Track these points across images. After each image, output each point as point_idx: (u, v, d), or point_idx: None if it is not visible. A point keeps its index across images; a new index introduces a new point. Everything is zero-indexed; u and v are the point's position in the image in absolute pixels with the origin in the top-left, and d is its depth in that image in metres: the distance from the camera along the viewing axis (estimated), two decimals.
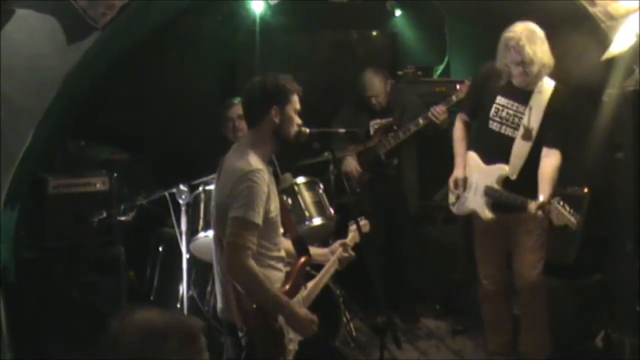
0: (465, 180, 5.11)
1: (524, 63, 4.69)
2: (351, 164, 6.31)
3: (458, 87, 6.05)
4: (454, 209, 5.26)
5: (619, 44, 4.80)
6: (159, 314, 2.39)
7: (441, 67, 7.51)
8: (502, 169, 4.89)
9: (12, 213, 5.24)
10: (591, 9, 4.85)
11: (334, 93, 7.10)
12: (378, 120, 6.36)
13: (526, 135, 4.82)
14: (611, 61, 4.96)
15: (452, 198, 5.24)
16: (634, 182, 5.08)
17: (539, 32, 4.71)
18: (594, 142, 5.33)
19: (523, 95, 4.86)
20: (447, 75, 7.44)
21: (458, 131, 5.25)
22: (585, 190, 5.53)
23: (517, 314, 5.50)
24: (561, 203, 4.45)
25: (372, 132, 6.37)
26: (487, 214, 4.95)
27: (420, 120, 6.08)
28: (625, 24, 4.74)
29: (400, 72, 6.96)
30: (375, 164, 6.32)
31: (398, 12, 7.61)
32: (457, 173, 5.15)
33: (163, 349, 2.31)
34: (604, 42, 4.90)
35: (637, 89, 4.92)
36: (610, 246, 5.49)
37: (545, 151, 4.78)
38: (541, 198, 4.55)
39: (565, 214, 4.42)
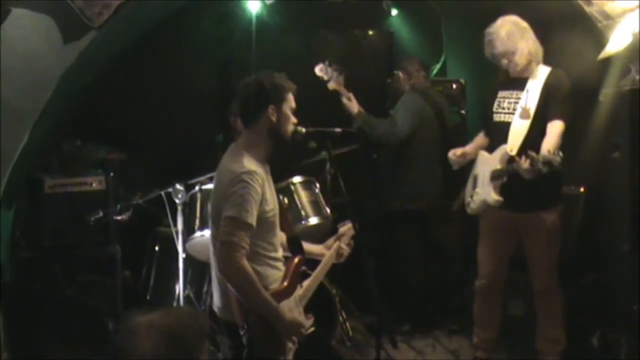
0: (464, 153, 5.16)
1: (508, 53, 4.79)
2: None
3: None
4: (469, 210, 5.20)
5: (615, 44, 4.80)
6: (162, 315, 2.40)
7: (437, 66, 7.51)
8: (502, 149, 4.86)
9: (8, 213, 5.24)
10: (587, 9, 4.85)
11: (330, 92, 7.08)
12: None
13: (524, 114, 4.82)
14: (607, 61, 4.96)
15: (467, 199, 5.22)
16: (630, 181, 5.08)
17: (521, 23, 4.82)
18: (591, 141, 5.34)
19: (520, 83, 4.90)
20: (444, 74, 7.44)
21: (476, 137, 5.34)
22: (582, 189, 5.54)
23: (513, 314, 5.55)
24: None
25: None
26: (493, 196, 4.87)
27: None
28: (622, 23, 4.74)
29: (396, 72, 6.93)
30: None
31: (394, 12, 7.62)
32: (464, 148, 5.22)
33: (186, 349, 2.33)
34: (600, 42, 4.90)
35: (633, 89, 4.92)
36: (607, 246, 5.49)
37: (547, 125, 4.75)
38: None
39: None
